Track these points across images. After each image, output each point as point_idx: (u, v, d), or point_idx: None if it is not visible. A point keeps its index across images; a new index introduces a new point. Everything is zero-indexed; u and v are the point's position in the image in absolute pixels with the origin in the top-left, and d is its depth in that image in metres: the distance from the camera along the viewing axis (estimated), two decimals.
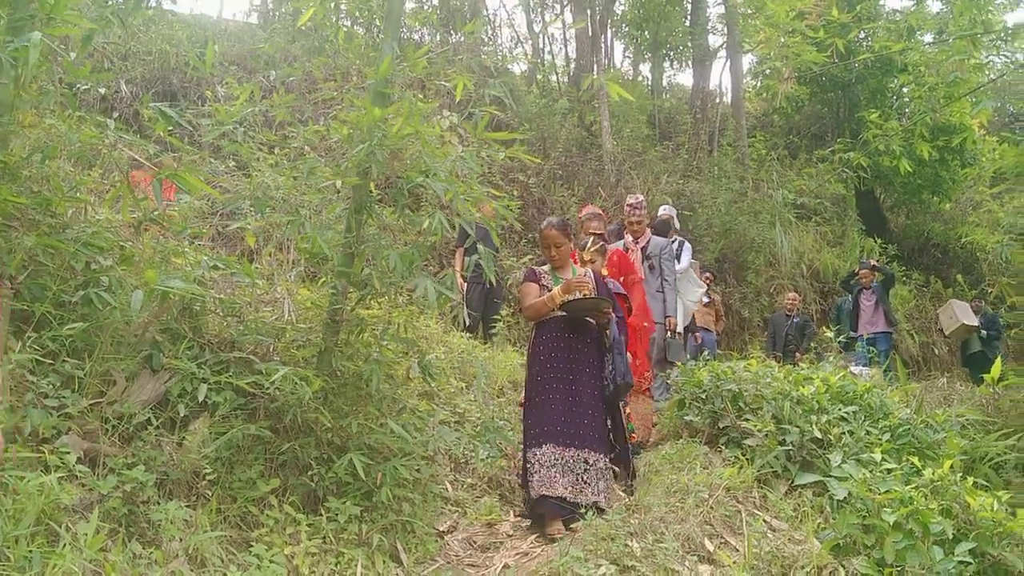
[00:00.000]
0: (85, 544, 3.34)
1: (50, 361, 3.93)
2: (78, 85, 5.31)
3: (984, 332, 13.13)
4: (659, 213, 9.76)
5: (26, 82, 4.37)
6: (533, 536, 5.03)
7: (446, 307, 8.94)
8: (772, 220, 15.44)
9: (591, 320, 5.49)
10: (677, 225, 9.87)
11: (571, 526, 4.99)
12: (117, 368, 4.25)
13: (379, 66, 4.85)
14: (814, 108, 20.64)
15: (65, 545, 3.32)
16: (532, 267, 5.87)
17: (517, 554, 4.77)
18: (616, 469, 5.63)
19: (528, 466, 5.20)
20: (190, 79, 11.79)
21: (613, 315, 5.52)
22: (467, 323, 9.34)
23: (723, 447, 5.92)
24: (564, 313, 5.43)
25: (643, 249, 8.14)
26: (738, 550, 4.64)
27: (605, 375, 5.42)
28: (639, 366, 6.44)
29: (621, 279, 6.71)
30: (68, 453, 3.59)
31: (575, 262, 6.00)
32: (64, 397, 3.87)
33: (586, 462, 5.16)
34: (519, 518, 5.40)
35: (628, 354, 5.98)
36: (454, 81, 5.47)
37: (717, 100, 21.06)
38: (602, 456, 5.22)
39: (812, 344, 11.68)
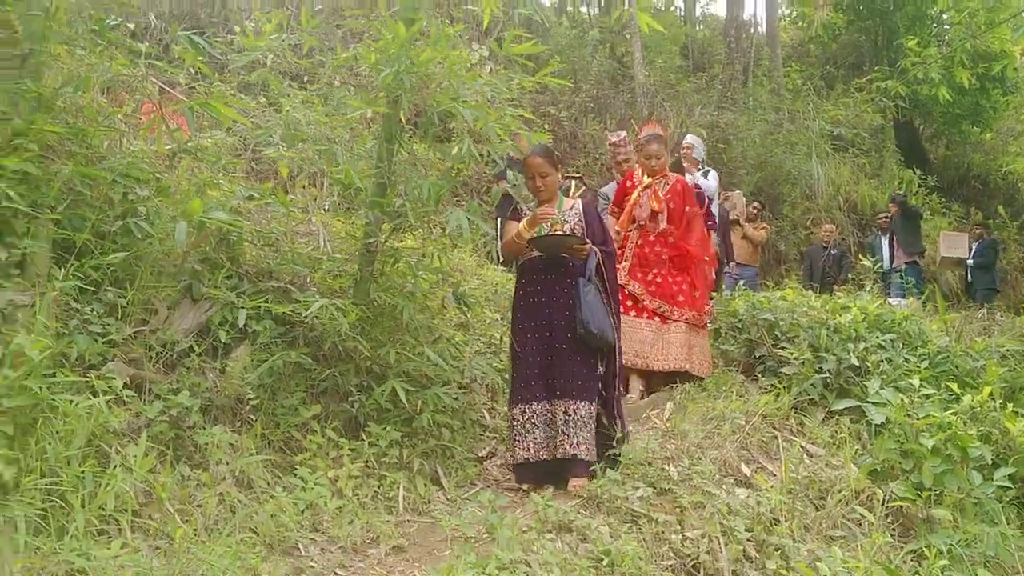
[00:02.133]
0: (135, 465, 3.43)
1: (93, 289, 3.98)
2: (108, 20, 5.28)
3: (971, 262, 12.96)
4: (683, 144, 9.52)
5: (56, 12, 4.37)
6: None
7: (479, 240, 8.97)
8: (808, 152, 15.17)
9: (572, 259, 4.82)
10: (703, 155, 9.57)
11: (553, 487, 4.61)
12: (158, 297, 4.31)
13: None
14: (851, 36, 20.08)
15: (116, 466, 3.41)
16: (519, 205, 5.31)
17: None
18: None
19: (511, 425, 4.80)
20: (218, 14, 11.72)
21: (593, 252, 4.77)
22: (499, 257, 9.33)
23: (759, 376, 5.91)
24: (540, 253, 4.86)
25: None
26: (775, 475, 4.67)
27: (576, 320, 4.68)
28: (698, 299, 6.08)
29: (687, 208, 6.26)
30: (114, 379, 3.66)
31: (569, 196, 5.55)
32: (108, 324, 3.94)
33: (565, 412, 4.65)
34: None
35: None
36: (482, 7, 5.38)
37: (752, 30, 20.58)
38: (584, 403, 4.65)
39: (850, 276, 11.56)
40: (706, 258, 6.32)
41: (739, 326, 6.30)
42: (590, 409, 4.66)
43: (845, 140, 16.21)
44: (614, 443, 4.64)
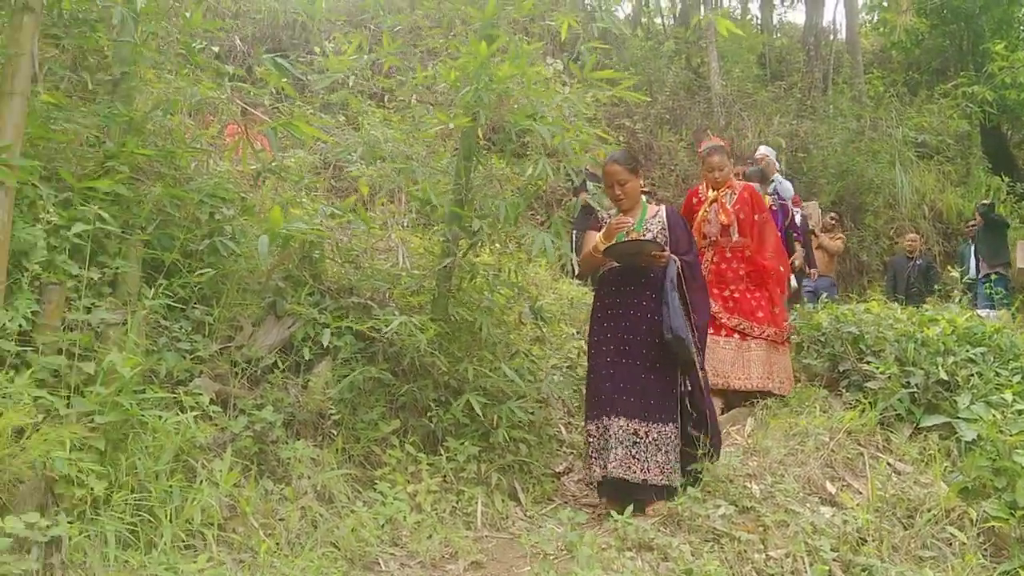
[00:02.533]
0: (220, 480, 3.50)
1: (181, 307, 4.09)
2: (194, 44, 5.45)
3: None
4: (756, 154, 9.39)
5: (145, 39, 4.52)
6: None
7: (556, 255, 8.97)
8: (891, 160, 14.79)
9: (651, 268, 4.59)
10: (777, 166, 9.43)
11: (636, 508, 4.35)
12: (243, 314, 4.41)
13: (485, 8, 4.82)
14: (935, 41, 19.55)
15: (202, 481, 3.48)
16: (600, 213, 5.02)
17: None
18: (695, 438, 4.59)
19: (586, 441, 4.62)
20: (299, 36, 12.00)
21: (673, 259, 4.53)
22: (576, 271, 9.32)
23: (843, 391, 5.76)
24: (618, 263, 4.66)
25: None
26: (861, 492, 4.55)
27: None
28: (777, 314, 5.89)
29: (756, 217, 6.04)
30: (201, 395, 3.75)
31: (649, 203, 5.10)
32: (195, 341, 4.05)
33: (635, 434, 4.40)
34: None
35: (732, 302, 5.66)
36: (559, 20, 5.40)
37: (831, 37, 20.20)
38: (658, 426, 4.41)
39: (936, 287, 11.22)
40: (781, 268, 6.13)
41: (822, 340, 6.16)
42: (665, 431, 4.42)
43: (930, 147, 15.77)
44: (697, 458, 4.45)
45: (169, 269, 4.12)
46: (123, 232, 3.94)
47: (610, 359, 4.56)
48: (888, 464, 4.79)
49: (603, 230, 4.62)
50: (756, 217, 6.06)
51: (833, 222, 11.68)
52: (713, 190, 6.18)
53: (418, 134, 5.40)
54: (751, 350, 5.83)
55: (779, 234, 6.30)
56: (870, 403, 5.32)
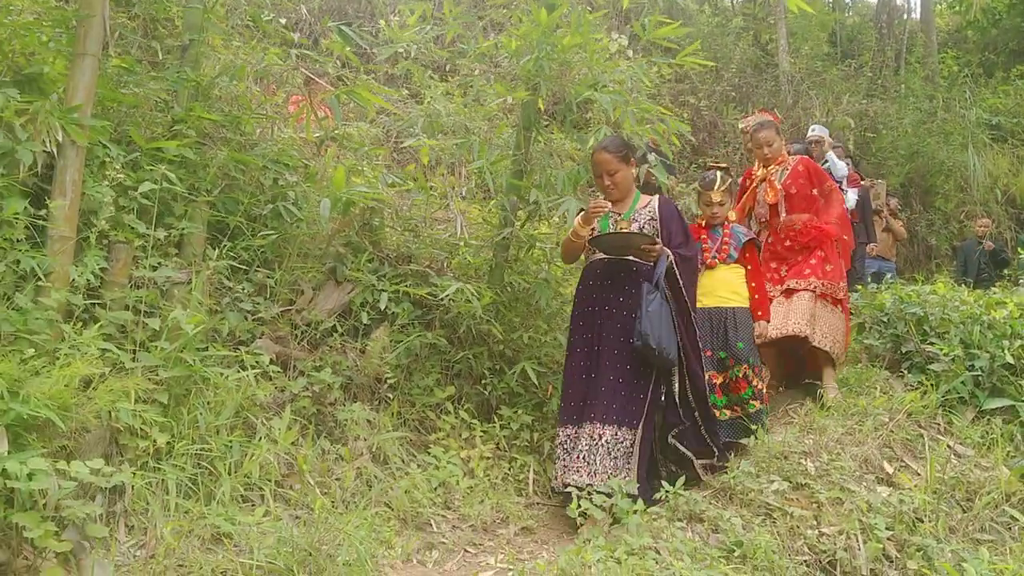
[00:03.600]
0: (279, 437, 3.58)
1: (244, 269, 4.18)
2: (262, 14, 5.53)
3: None
4: (809, 135, 9.10)
5: (214, 6, 4.60)
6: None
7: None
8: (964, 142, 14.37)
9: (639, 263, 4.25)
10: (835, 144, 9.05)
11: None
12: (304, 278, 4.48)
13: None
14: (1013, 21, 18.91)
15: (261, 438, 3.57)
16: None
17: None
18: (686, 452, 4.27)
19: (556, 446, 4.25)
20: (365, 9, 12.07)
21: (664, 255, 4.17)
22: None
23: (905, 372, 5.66)
24: (605, 255, 4.32)
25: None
26: (919, 474, 4.47)
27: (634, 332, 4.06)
28: (830, 272, 5.44)
29: (814, 190, 5.65)
30: (262, 355, 3.83)
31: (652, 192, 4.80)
32: (257, 303, 4.13)
33: (590, 437, 4.06)
34: None
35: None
36: None
37: (905, 15, 19.70)
38: (613, 428, 4.04)
39: (1007, 272, 10.92)
40: (845, 238, 5.72)
41: (885, 320, 6.04)
42: (619, 435, 4.05)
43: (1004, 130, 15.29)
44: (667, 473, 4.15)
45: (233, 232, 4.20)
46: (189, 194, 4.02)
47: (584, 363, 4.23)
48: (948, 446, 4.70)
49: (581, 213, 4.30)
50: (814, 191, 5.69)
51: (899, 208, 11.43)
52: (764, 167, 5.84)
53: (479, 108, 5.42)
54: (793, 301, 5.39)
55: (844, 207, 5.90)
56: (932, 385, 5.22)
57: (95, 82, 3.51)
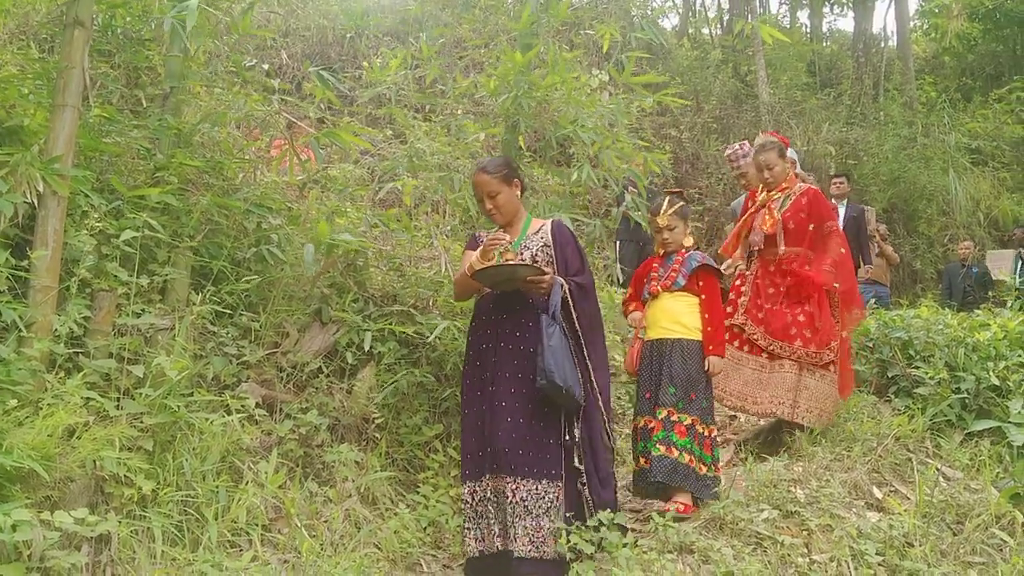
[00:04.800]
0: (266, 481, 3.58)
1: (229, 313, 4.19)
2: (243, 61, 5.59)
3: None
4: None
5: (195, 53, 4.65)
6: None
7: (600, 263, 8.99)
8: (944, 166, 14.54)
9: (530, 295, 3.82)
10: (798, 171, 8.71)
11: None
12: (289, 320, 4.49)
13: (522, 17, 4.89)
14: (988, 47, 19.20)
15: (248, 482, 3.56)
16: (477, 232, 4.31)
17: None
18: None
19: (462, 507, 3.81)
20: (347, 52, 12.19)
21: (558, 285, 3.76)
22: (620, 279, 9.33)
23: (892, 396, 5.68)
24: (491, 289, 3.93)
25: None
26: (909, 498, 4.48)
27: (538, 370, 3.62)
28: (818, 333, 4.98)
29: (811, 227, 5.16)
30: (247, 399, 3.83)
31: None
32: (242, 347, 4.13)
33: (496, 494, 3.66)
34: None
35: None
36: (600, 32, 5.43)
37: (881, 44, 19.97)
38: (528, 482, 3.61)
39: (991, 294, 11.00)
40: (836, 285, 5.12)
41: (871, 345, 6.08)
42: (536, 489, 3.61)
43: (984, 153, 15.50)
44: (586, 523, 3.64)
45: (217, 276, 4.22)
46: (172, 240, 4.04)
47: (482, 407, 3.78)
48: (937, 469, 4.71)
49: (478, 249, 3.87)
50: (810, 227, 5.18)
51: (888, 233, 11.54)
52: (767, 191, 5.36)
53: (461, 145, 5.48)
54: (777, 371, 5.01)
55: (846, 251, 5.31)
56: (919, 409, 5.25)
57: (75, 132, 3.54)
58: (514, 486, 3.60)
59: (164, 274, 3.89)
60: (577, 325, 3.83)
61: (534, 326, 3.73)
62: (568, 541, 3.54)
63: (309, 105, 5.48)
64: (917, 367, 5.55)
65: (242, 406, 3.75)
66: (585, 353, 3.84)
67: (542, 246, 3.94)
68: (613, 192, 5.73)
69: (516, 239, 3.95)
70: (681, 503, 4.10)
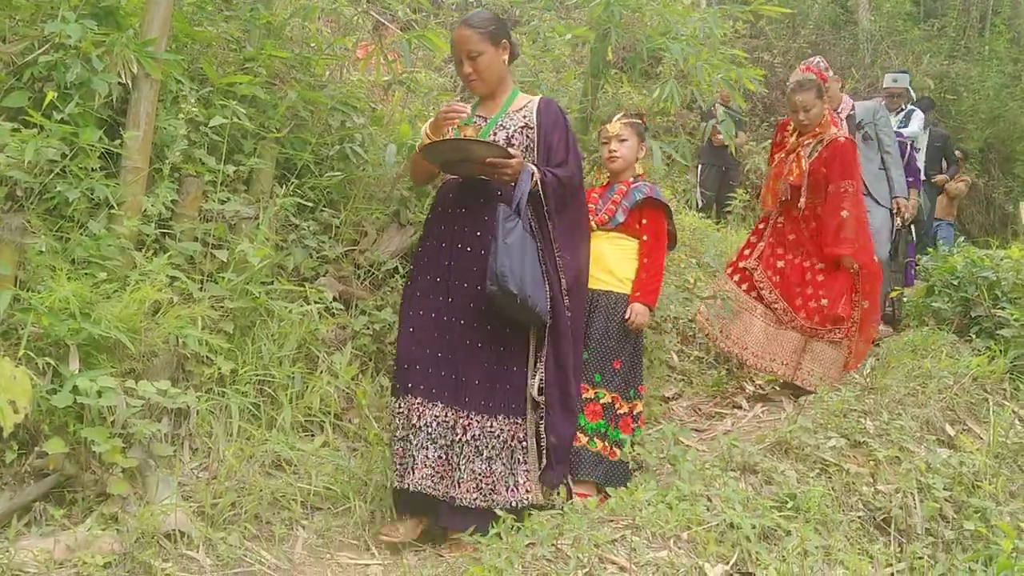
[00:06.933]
0: (340, 372, 3.67)
1: (310, 207, 4.24)
2: None
3: None
4: (887, 85, 7.71)
5: None
6: (760, 407, 4.96)
7: (679, 188, 8.86)
8: None
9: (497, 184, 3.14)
10: (911, 93, 7.79)
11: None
12: (368, 219, 4.53)
13: None
14: None
15: (322, 371, 3.66)
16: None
17: (744, 422, 4.75)
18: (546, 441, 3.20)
19: (391, 422, 3.23)
20: None
21: (527, 172, 3.05)
22: (700, 204, 9.20)
23: (973, 336, 5.53)
24: (444, 171, 3.31)
25: (848, 118, 5.77)
26: (982, 438, 4.40)
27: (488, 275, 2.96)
28: (827, 308, 4.70)
29: (830, 187, 4.71)
30: (325, 291, 3.90)
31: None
32: (322, 242, 4.19)
33: (452, 429, 3.08)
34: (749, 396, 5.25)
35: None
36: None
37: None
38: (481, 419, 3.07)
39: None
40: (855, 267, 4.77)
41: (955, 283, 5.90)
42: (491, 427, 3.08)
43: None
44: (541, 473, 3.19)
45: (300, 171, 4.26)
46: (258, 132, 4.08)
47: (423, 312, 3.18)
48: (1013, 411, 4.61)
49: (429, 120, 3.29)
50: (830, 187, 4.74)
51: (959, 157, 10.87)
52: (797, 135, 4.91)
53: (548, 54, 5.39)
54: (782, 331, 4.83)
55: (862, 213, 4.86)
56: (1001, 351, 5.10)
57: (170, 17, 3.57)
58: (466, 421, 3.06)
59: (250, 164, 3.94)
60: (550, 226, 3.20)
61: (498, 218, 3.00)
62: (632, 450, 3.56)
63: (399, 5, 5.42)
64: (1003, 308, 5.38)
65: (320, 298, 3.83)
66: (557, 263, 3.22)
67: (522, 127, 3.24)
68: (698, 112, 5.59)
69: (495, 114, 3.28)
70: (582, 493, 3.52)
